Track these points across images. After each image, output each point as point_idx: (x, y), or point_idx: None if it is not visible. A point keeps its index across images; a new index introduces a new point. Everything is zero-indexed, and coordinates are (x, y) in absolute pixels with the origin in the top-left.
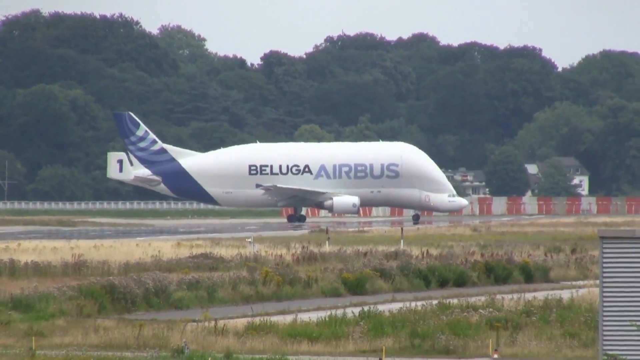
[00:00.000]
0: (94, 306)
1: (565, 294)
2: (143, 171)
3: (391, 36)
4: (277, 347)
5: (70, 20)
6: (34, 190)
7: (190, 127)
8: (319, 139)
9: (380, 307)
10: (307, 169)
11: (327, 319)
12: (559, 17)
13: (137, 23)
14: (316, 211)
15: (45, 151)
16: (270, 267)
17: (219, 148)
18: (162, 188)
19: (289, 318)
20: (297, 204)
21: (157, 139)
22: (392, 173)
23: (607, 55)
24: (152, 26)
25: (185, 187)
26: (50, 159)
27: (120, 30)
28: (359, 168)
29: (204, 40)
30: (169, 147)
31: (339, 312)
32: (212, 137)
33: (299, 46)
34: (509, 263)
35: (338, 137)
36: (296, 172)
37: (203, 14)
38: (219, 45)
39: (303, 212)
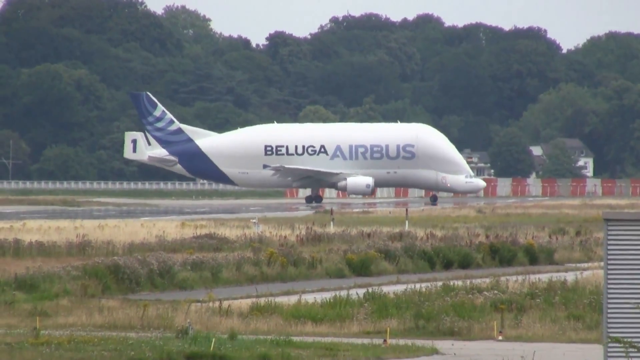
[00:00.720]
0: (98, 286)
1: (570, 276)
2: (160, 151)
3: (396, 17)
4: (282, 328)
5: (75, 0)
6: (39, 170)
7: (194, 108)
8: (323, 119)
9: (385, 289)
10: (322, 150)
11: (331, 300)
12: None
13: (142, 3)
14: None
15: (49, 131)
16: (275, 248)
17: (224, 128)
18: (179, 168)
19: (293, 299)
20: (312, 185)
21: (174, 119)
22: (408, 154)
23: (612, 36)
24: (156, 6)
25: (201, 167)
26: (55, 138)
27: (125, 10)
28: (375, 149)
29: (209, 20)
30: (185, 127)
31: (343, 293)
32: (217, 117)
33: (304, 27)
34: (513, 245)
35: (343, 118)
36: (312, 152)
37: None
38: (223, 25)
39: (320, 193)
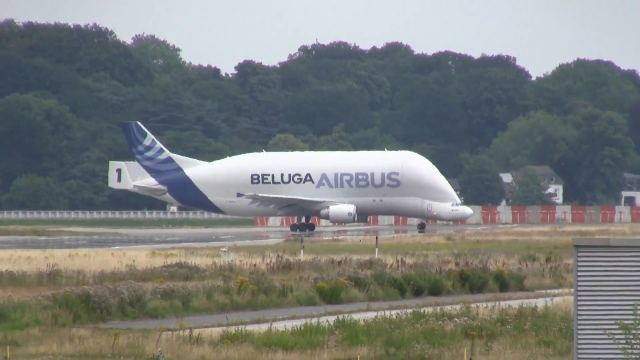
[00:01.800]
0: (69, 315)
1: (540, 303)
2: (149, 180)
3: (365, 45)
4: (253, 356)
5: (44, 30)
6: (9, 200)
7: (165, 137)
8: (293, 148)
9: (355, 316)
10: (308, 178)
11: (302, 328)
12: (533, 26)
13: (111, 33)
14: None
15: (19, 161)
16: (245, 276)
17: (195, 157)
18: (168, 197)
19: (264, 327)
20: (296, 213)
21: (164, 148)
22: (393, 182)
23: (581, 64)
24: (126, 36)
25: (190, 196)
26: (25, 168)
27: (94, 40)
28: (360, 177)
29: (178, 50)
30: (175, 157)
31: (314, 321)
32: (187, 146)
33: (273, 56)
34: (483, 272)
35: (312, 147)
36: (298, 180)
37: (177, 23)
38: (193, 55)
39: (310, 221)
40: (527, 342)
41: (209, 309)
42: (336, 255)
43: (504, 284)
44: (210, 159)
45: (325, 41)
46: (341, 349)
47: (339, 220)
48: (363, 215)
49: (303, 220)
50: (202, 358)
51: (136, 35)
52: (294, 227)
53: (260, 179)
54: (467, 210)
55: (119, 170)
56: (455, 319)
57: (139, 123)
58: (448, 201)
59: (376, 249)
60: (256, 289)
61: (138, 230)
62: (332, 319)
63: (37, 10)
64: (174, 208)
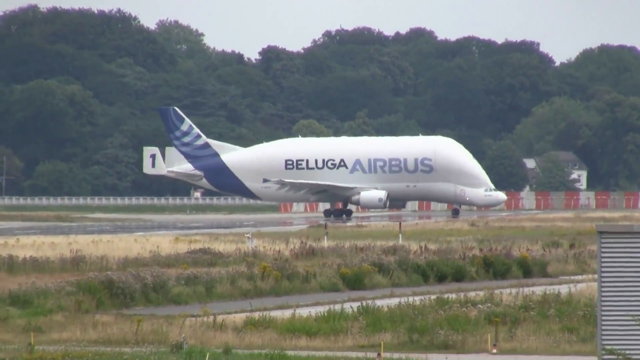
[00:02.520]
0: (92, 301)
1: (564, 289)
2: (186, 166)
3: (389, 31)
4: (276, 342)
5: (68, 16)
6: (32, 186)
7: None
8: (317, 134)
9: (379, 302)
10: (342, 163)
11: (325, 314)
12: (557, 11)
13: (135, 18)
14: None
15: (42, 147)
16: (269, 262)
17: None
18: (204, 183)
19: (287, 313)
20: (329, 199)
21: (201, 134)
22: (426, 167)
23: (604, 49)
24: (149, 21)
25: (226, 182)
26: (48, 154)
27: (118, 26)
28: (393, 162)
29: (202, 35)
30: (212, 142)
31: (337, 307)
32: (211, 132)
33: (296, 41)
34: (507, 258)
35: (336, 133)
36: (332, 166)
37: (201, 8)
38: (216, 40)
39: (349, 207)
40: (550, 329)
41: (232, 295)
42: (359, 241)
43: (527, 270)
44: (234, 144)
45: (349, 27)
46: (364, 336)
47: (369, 207)
48: (398, 201)
49: (340, 205)
50: (226, 344)
51: (160, 21)
52: (327, 213)
53: (295, 164)
54: (501, 195)
55: (153, 156)
56: (479, 305)
57: (176, 108)
58: (481, 187)
59: (400, 235)
60: (279, 275)
61: (161, 216)
62: (355, 305)
63: None
64: (197, 194)
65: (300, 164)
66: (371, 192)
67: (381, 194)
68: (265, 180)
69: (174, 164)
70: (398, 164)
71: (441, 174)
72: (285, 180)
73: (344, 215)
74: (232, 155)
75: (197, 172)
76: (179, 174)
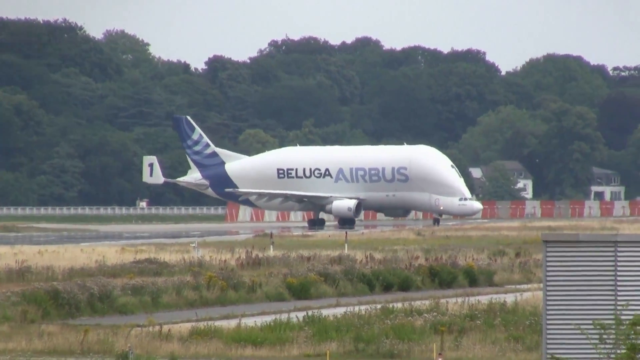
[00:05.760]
0: (37, 312)
1: (510, 298)
2: (195, 175)
3: (335, 40)
4: (222, 352)
5: (14, 26)
6: None
7: (134, 132)
8: (262, 143)
9: (325, 312)
10: (327, 173)
11: (271, 323)
12: (503, 20)
13: (81, 28)
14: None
15: None
16: (215, 272)
17: (164, 153)
18: (210, 192)
19: (233, 323)
20: (312, 208)
21: (210, 143)
22: (402, 177)
23: (550, 58)
24: (96, 31)
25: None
26: None
27: (64, 36)
28: (373, 172)
29: (148, 45)
30: (220, 151)
31: (284, 316)
32: (157, 142)
33: (243, 51)
34: (453, 267)
35: (282, 142)
36: (318, 175)
37: (147, 18)
38: (162, 50)
39: (322, 217)
40: (496, 338)
41: (178, 304)
42: (306, 251)
43: (473, 279)
44: (180, 155)
45: (295, 36)
46: (310, 345)
47: (340, 215)
48: (384, 210)
49: (312, 215)
50: (172, 354)
51: (106, 31)
52: (311, 223)
53: (286, 173)
54: (476, 204)
55: (151, 165)
56: (425, 315)
57: (189, 118)
58: (456, 196)
59: (345, 245)
60: (225, 284)
61: (108, 226)
62: (301, 314)
63: (6, 5)
64: (143, 204)
65: (290, 173)
66: (342, 202)
67: (350, 203)
68: (226, 190)
69: (192, 172)
70: (377, 173)
71: (416, 183)
72: (242, 190)
73: (317, 225)
74: (234, 164)
75: (204, 182)
76: (189, 184)
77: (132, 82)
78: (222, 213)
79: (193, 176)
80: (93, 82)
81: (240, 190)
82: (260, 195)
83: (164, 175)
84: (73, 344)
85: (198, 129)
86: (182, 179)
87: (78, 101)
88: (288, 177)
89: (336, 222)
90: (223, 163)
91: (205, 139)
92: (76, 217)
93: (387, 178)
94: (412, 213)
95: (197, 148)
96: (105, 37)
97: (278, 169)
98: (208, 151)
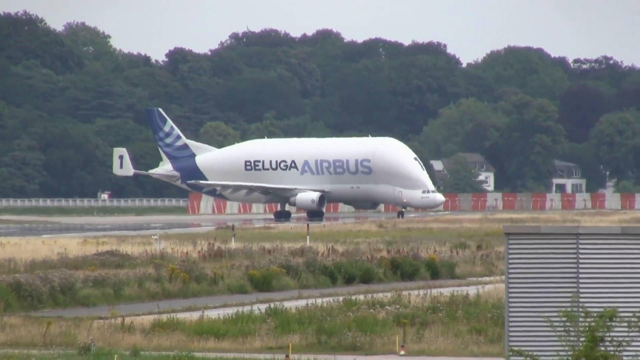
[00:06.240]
0: (0, 304)
1: (472, 290)
2: (166, 167)
3: (295, 33)
4: (184, 344)
5: None
6: None
7: (96, 125)
8: (224, 136)
9: (287, 304)
10: (293, 165)
11: (233, 316)
12: (464, 12)
13: (42, 20)
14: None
15: None
16: (177, 264)
17: (125, 145)
18: (181, 184)
19: (195, 315)
20: (278, 200)
21: (181, 135)
22: (365, 169)
23: (511, 51)
24: (56, 24)
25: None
26: None
27: (25, 28)
28: (337, 164)
29: (109, 37)
30: (190, 143)
31: (246, 309)
32: (118, 134)
33: (203, 43)
34: (415, 259)
35: (244, 135)
36: (284, 167)
37: (107, 11)
38: (123, 42)
39: (288, 209)
40: (458, 330)
41: (140, 297)
42: (267, 243)
43: (435, 271)
44: (140, 147)
45: (256, 28)
46: (273, 337)
47: (304, 208)
48: (351, 203)
49: (277, 207)
50: (134, 346)
51: (67, 23)
52: (277, 215)
53: (253, 165)
54: (439, 197)
55: (121, 157)
56: (387, 307)
57: (160, 110)
58: (419, 188)
59: (307, 237)
60: (187, 277)
61: (69, 218)
62: (263, 307)
63: None
64: (105, 196)
65: (258, 165)
66: (306, 194)
67: (314, 195)
68: (188, 182)
69: (164, 164)
70: (341, 165)
71: (380, 176)
72: (202, 182)
73: (282, 218)
74: (204, 157)
75: (175, 173)
76: (161, 175)
77: (93, 74)
78: (184, 205)
79: (164, 168)
80: (54, 74)
81: (202, 182)
82: (224, 187)
83: (133, 167)
84: (35, 336)
85: (170, 121)
86: (154, 171)
87: (39, 93)
88: (255, 169)
89: (305, 215)
90: (194, 155)
91: (177, 130)
92: (38, 209)
93: (351, 170)
94: (381, 205)
95: (169, 140)
96: (66, 29)
97: (245, 161)
98: (179, 143)
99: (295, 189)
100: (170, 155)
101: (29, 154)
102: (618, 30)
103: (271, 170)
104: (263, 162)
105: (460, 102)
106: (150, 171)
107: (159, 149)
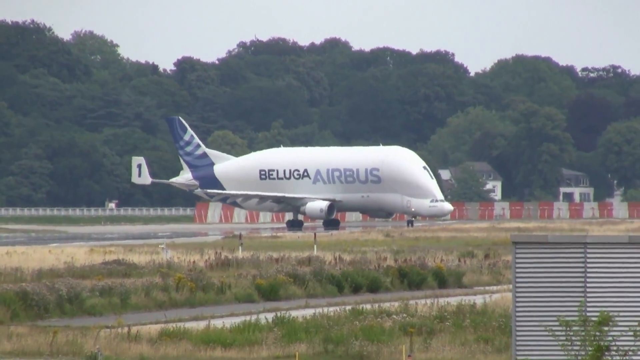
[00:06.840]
0: (6, 313)
1: (479, 299)
2: (186, 176)
3: (303, 41)
4: (191, 354)
5: None
6: None
7: (103, 134)
8: (231, 145)
9: (294, 313)
10: (306, 174)
11: (240, 325)
12: (471, 21)
13: (50, 29)
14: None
15: None
16: (184, 273)
17: (133, 154)
18: (200, 192)
19: (202, 324)
20: (290, 209)
21: (200, 144)
22: (374, 178)
23: (519, 59)
24: (64, 32)
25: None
26: None
27: (33, 37)
28: (348, 173)
29: (117, 46)
30: (210, 152)
31: (253, 318)
32: (126, 143)
33: (211, 52)
34: (422, 268)
35: (251, 144)
36: (297, 176)
37: (115, 19)
38: (131, 51)
39: (300, 218)
40: (465, 339)
41: (147, 306)
42: (275, 252)
43: (442, 280)
44: (149, 156)
45: (264, 37)
46: (280, 346)
47: (313, 217)
48: (363, 211)
49: (294, 216)
50: (141, 355)
51: (75, 32)
52: (289, 224)
53: (267, 174)
54: (447, 206)
55: (139, 166)
56: (394, 316)
57: (181, 118)
58: (427, 197)
59: (315, 246)
60: (194, 286)
61: (76, 227)
62: (270, 316)
63: None
64: (112, 205)
65: (272, 175)
66: (315, 203)
67: (322, 204)
68: (192, 190)
69: (184, 172)
70: (352, 174)
71: (389, 185)
72: (209, 190)
73: (295, 227)
74: (222, 166)
75: (194, 182)
76: (181, 185)
77: (100, 83)
78: (191, 214)
79: (185, 177)
80: (61, 83)
81: (210, 190)
82: (234, 196)
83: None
84: (42, 345)
85: (190, 130)
86: (175, 180)
87: (46, 102)
88: (269, 178)
89: (321, 224)
90: (212, 164)
91: (197, 139)
92: (44, 218)
93: (361, 179)
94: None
95: (189, 149)
96: (74, 38)
97: (260, 170)
98: (199, 152)
99: (305, 198)
100: (190, 164)
101: (36, 163)
102: (626, 39)
103: (285, 180)
104: (277, 171)
105: (468, 111)
106: (171, 180)
107: (180, 158)
